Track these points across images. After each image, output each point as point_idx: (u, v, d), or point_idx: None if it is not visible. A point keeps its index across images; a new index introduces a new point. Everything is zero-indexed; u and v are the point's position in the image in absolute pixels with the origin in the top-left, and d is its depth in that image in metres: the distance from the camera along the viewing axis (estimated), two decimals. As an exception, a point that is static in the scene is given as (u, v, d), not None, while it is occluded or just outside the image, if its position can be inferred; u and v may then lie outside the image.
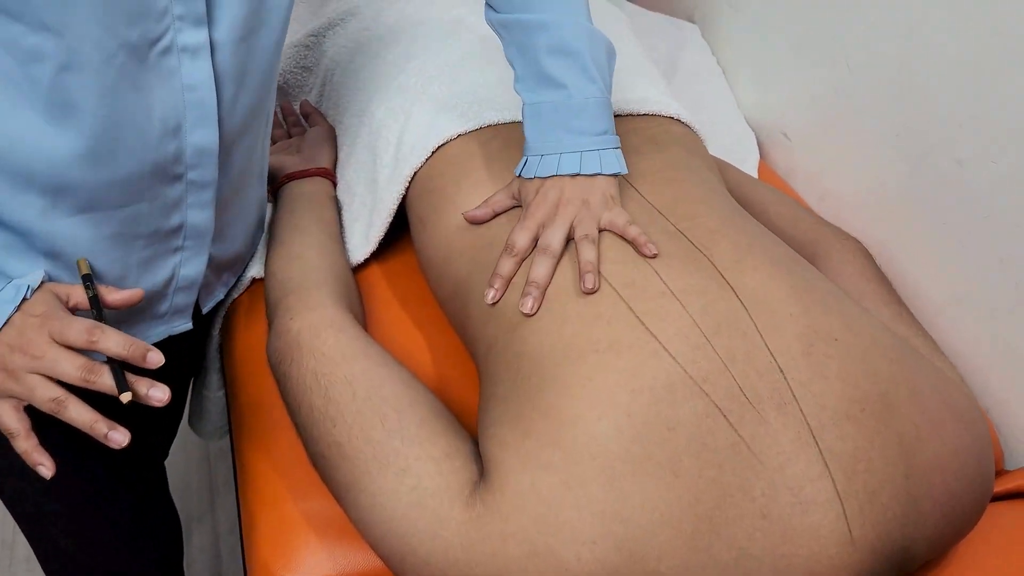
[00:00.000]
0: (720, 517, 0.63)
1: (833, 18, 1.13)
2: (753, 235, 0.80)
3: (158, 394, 0.66)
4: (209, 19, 0.68)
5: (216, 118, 0.72)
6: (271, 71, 0.80)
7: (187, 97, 0.70)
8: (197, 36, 0.68)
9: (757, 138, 1.32)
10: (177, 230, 0.78)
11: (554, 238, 0.77)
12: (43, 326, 0.65)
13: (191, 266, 0.82)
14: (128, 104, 0.67)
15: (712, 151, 1.13)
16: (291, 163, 1.03)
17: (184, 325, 0.86)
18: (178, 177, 0.74)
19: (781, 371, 0.68)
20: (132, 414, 0.93)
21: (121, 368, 0.65)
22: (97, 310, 0.68)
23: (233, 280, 0.96)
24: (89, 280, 0.70)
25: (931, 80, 0.98)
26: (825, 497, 0.64)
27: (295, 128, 1.13)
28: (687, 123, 0.99)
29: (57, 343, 0.65)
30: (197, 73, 0.69)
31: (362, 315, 0.91)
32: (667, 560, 0.62)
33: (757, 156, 1.28)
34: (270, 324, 0.84)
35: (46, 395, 0.64)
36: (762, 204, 1.04)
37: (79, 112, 0.65)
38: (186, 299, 0.84)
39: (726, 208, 0.84)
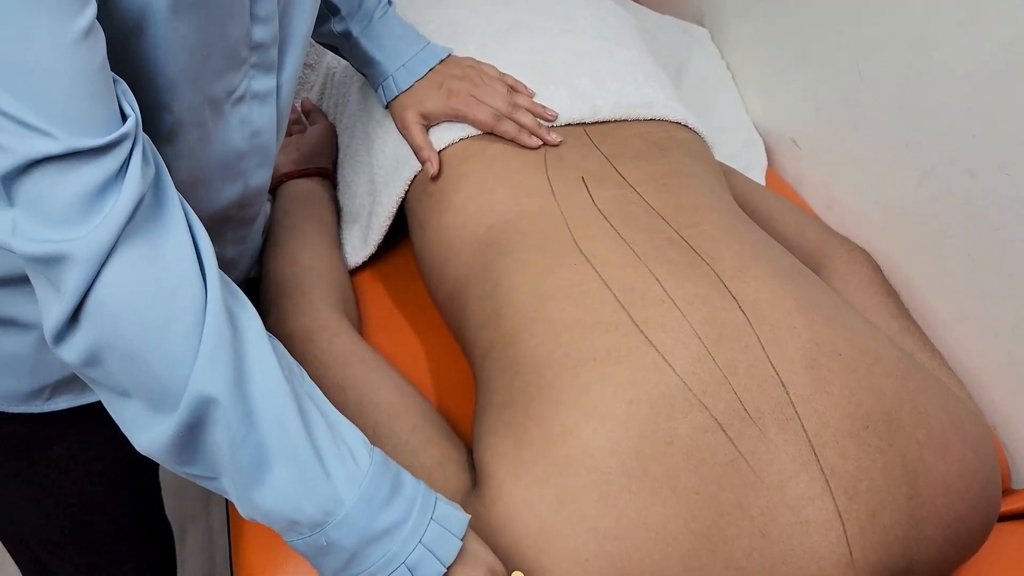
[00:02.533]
0: (718, 536, 0.61)
1: (844, 25, 1.11)
2: (757, 245, 0.78)
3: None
4: (278, 65, 0.68)
5: (273, 159, 0.72)
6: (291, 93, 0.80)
7: (253, 142, 0.69)
8: (268, 83, 0.67)
9: (766, 144, 1.31)
10: None
11: (507, 97, 0.89)
12: None
13: None
14: (204, 156, 0.66)
15: (720, 157, 1.12)
16: (290, 161, 1.02)
17: None
18: (232, 219, 0.74)
19: (783, 386, 0.66)
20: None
21: None
22: None
23: None
24: None
25: (942, 90, 0.96)
26: (826, 517, 0.62)
27: (295, 126, 1.11)
28: (693, 128, 0.98)
29: None
30: (264, 118, 0.69)
31: (357, 318, 0.90)
32: None
33: (764, 162, 1.27)
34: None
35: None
36: (768, 212, 1.02)
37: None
38: None
39: (730, 216, 0.82)
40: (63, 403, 0.74)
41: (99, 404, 0.75)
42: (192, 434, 0.53)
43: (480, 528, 0.63)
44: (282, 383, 0.54)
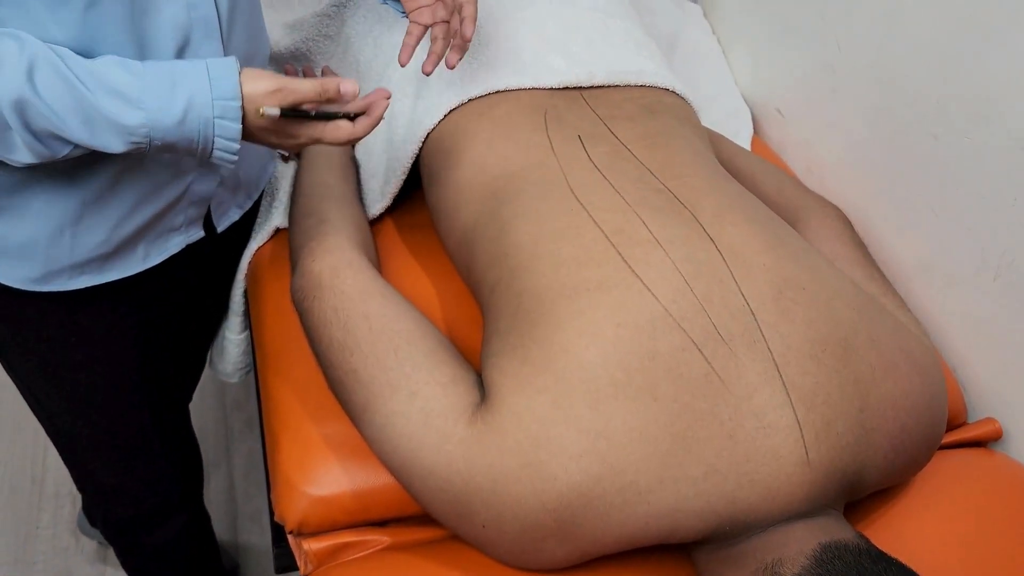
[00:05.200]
0: (692, 437, 0.71)
1: (825, 1, 1.20)
2: (734, 195, 0.88)
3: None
4: None
5: (219, 32, 0.80)
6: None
7: (192, 15, 0.77)
8: None
9: (753, 115, 1.39)
10: None
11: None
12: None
13: (202, 183, 0.89)
14: (143, 28, 0.74)
15: (709, 124, 1.21)
16: (312, 124, 1.11)
17: (198, 234, 0.94)
18: None
19: (752, 313, 0.76)
20: (171, 352, 1.02)
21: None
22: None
23: (249, 204, 1.02)
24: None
25: (911, 60, 1.05)
26: (786, 423, 0.72)
27: (316, 92, 1.20)
28: (680, 94, 1.07)
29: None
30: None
31: (376, 263, 0.99)
32: (644, 473, 0.70)
33: (751, 130, 1.35)
34: (293, 266, 0.92)
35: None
36: (750, 173, 1.12)
37: (103, 45, 0.72)
38: (197, 211, 0.92)
39: (711, 171, 0.92)
40: (85, 281, 0.87)
41: (121, 282, 0.88)
42: (32, 133, 0.69)
43: (489, 433, 0.73)
44: (60, 68, 0.68)
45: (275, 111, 0.75)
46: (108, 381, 0.96)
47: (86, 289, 0.87)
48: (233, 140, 0.75)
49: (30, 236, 0.81)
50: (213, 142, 0.74)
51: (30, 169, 0.76)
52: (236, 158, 0.76)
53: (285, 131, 0.78)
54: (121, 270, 0.88)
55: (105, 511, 1.15)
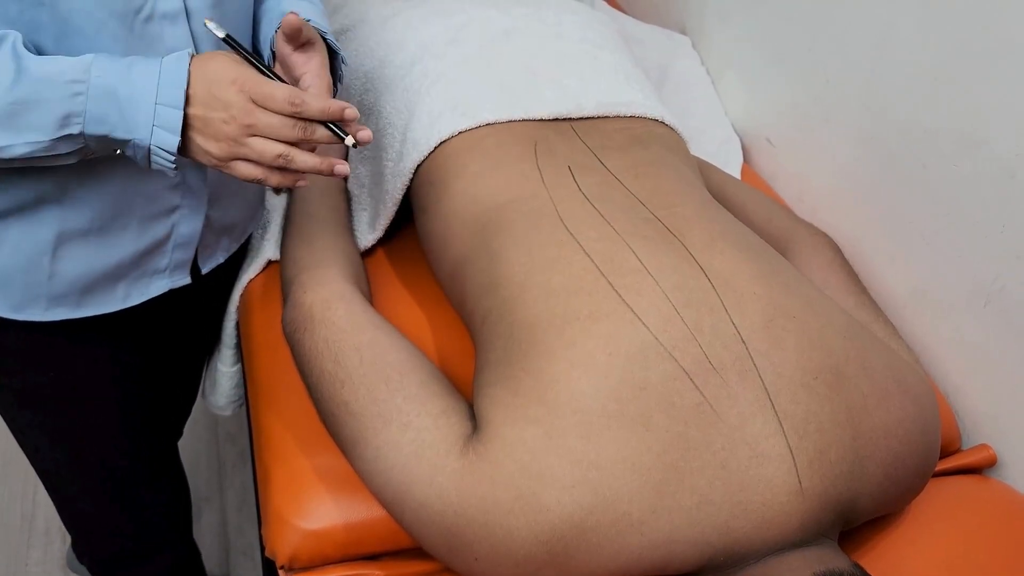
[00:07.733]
0: (685, 467, 0.71)
1: (813, 33, 1.21)
2: (724, 223, 0.88)
3: (365, 135, 0.74)
4: None
5: None
6: (243, 38, 0.86)
7: None
8: (174, 3, 0.75)
9: (743, 144, 1.40)
10: (175, 188, 0.84)
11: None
12: (242, 91, 0.70)
13: (188, 224, 0.88)
14: None
15: (699, 154, 1.22)
16: (304, 157, 1.11)
17: (183, 280, 0.93)
18: None
19: (743, 342, 0.76)
20: (155, 388, 1.01)
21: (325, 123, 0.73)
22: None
23: (235, 247, 1.01)
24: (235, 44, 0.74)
25: (899, 90, 1.06)
26: (778, 452, 0.72)
27: (308, 125, 1.21)
28: (670, 124, 1.08)
29: (261, 107, 0.70)
30: (177, 38, 0.76)
31: (368, 295, 0.99)
32: (637, 504, 0.70)
33: (740, 159, 1.36)
34: (285, 298, 0.92)
35: (274, 151, 0.71)
36: (741, 202, 1.12)
37: None
38: (184, 255, 0.91)
39: (700, 200, 0.92)
40: (61, 314, 0.86)
41: (99, 318, 0.88)
42: None
43: (481, 465, 0.72)
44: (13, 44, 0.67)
45: (221, 32, 0.72)
46: (87, 414, 0.96)
47: (64, 321, 0.86)
48: (175, 107, 0.69)
49: (5, 265, 0.81)
50: (154, 121, 0.69)
51: (7, 197, 0.76)
52: (177, 140, 0.70)
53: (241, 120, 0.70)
54: (99, 307, 0.88)
55: (90, 547, 1.14)
